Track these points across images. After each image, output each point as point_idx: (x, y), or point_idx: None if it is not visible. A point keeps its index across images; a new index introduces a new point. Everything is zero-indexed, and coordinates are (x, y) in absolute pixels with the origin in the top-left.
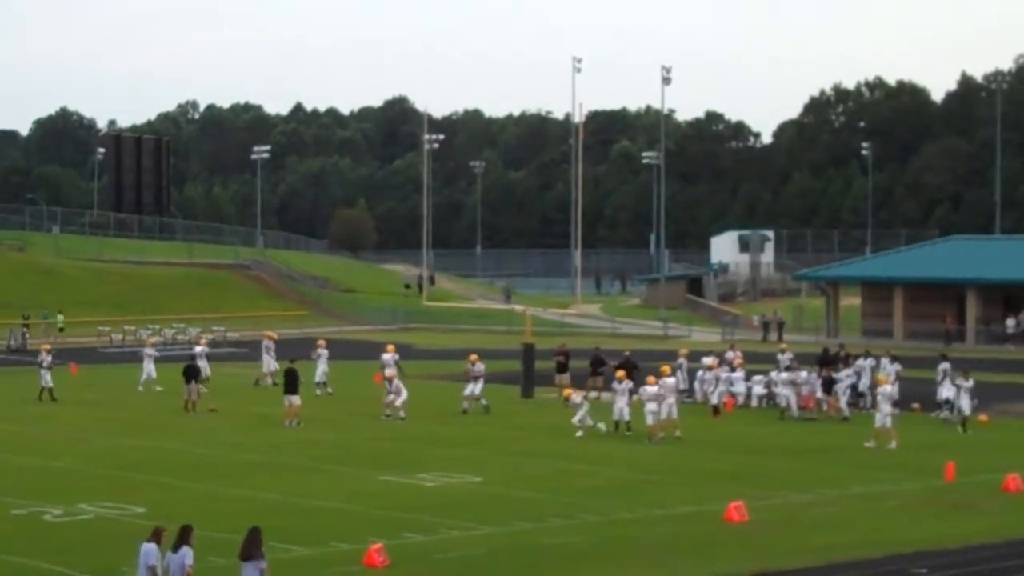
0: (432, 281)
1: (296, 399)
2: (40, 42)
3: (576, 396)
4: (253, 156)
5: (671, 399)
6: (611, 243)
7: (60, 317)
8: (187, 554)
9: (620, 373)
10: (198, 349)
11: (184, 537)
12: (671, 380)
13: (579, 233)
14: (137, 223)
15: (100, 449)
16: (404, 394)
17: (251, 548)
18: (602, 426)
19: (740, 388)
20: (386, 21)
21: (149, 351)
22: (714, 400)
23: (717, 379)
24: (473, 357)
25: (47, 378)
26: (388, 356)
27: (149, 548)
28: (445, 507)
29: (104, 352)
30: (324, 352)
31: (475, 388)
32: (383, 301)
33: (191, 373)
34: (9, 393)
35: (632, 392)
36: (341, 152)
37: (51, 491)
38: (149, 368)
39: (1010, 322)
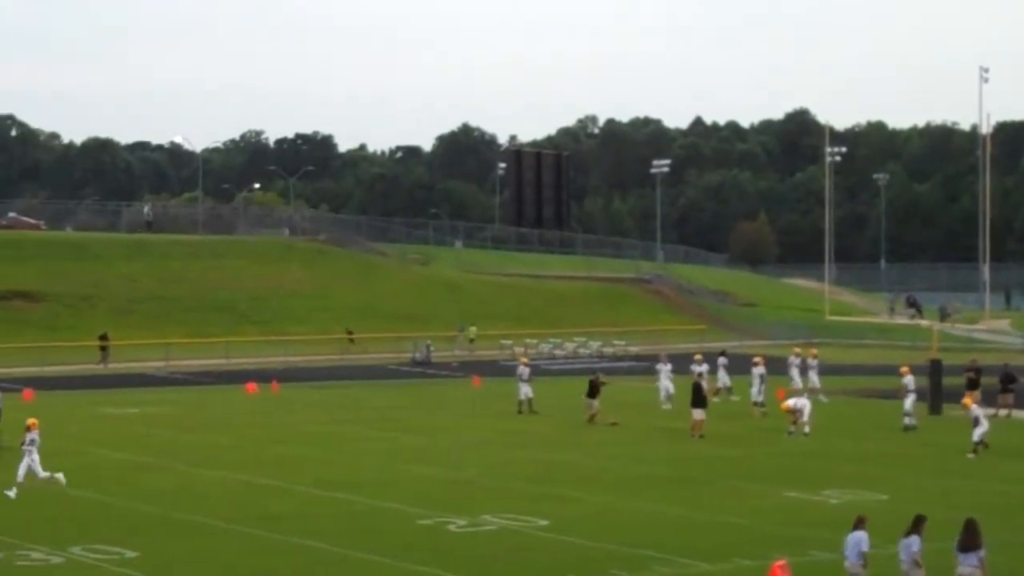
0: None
1: (700, 412)
2: (441, 61)
3: (976, 409)
4: (652, 170)
5: None
6: (1021, 257)
7: (472, 329)
8: (915, 542)
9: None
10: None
11: (916, 526)
12: None
13: (987, 247)
14: (537, 237)
15: (504, 461)
16: (808, 408)
17: (971, 539)
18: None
19: None
20: (784, 35)
21: (662, 366)
22: None
23: None
24: (904, 369)
25: (526, 390)
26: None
27: (860, 536)
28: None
29: (505, 365)
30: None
31: (908, 403)
32: (784, 315)
33: (594, 388)
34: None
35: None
36: (741, 165)
37: (456, 502)
38: (666, 384)
39: None
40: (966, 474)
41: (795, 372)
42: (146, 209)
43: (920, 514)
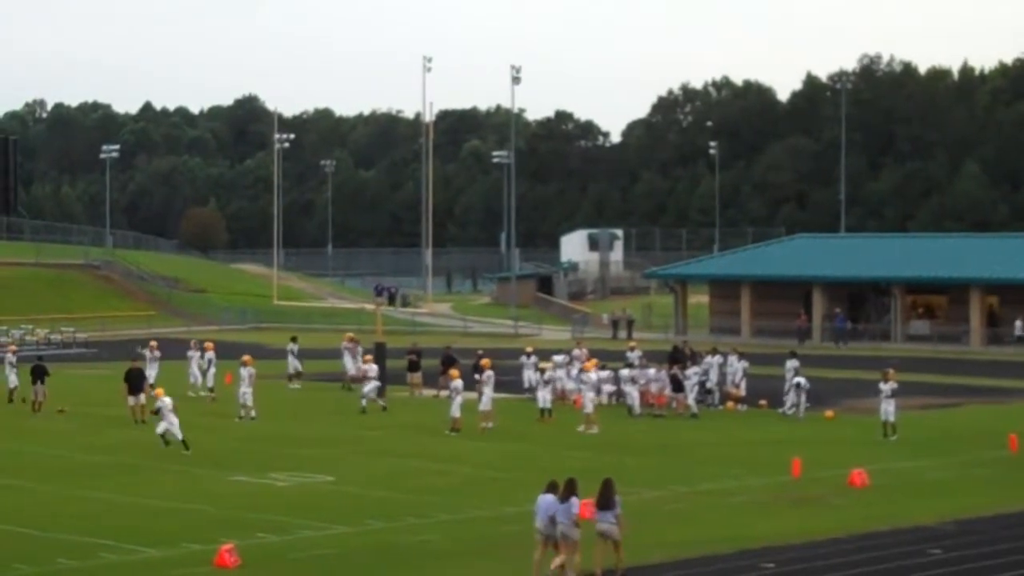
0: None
1: (141, 398)
2: None
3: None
4: (102, 155)
5: (488, 391)
6: (462, 242)
7: None
8: (575, 504)
9: (452, 372)
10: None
11: (573, 489)
12: (488, 373)
13: (430, 232)
14: None
15: None
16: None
17: (608, 497)
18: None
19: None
20: (235, 19)
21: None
22: (542, 404)
23: (550, 380)
24: (368, 358)
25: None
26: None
27: (549, 499)
28: (298, 507)
29: None
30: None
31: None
32: (233, 301)
33: (38, 373)
34: None
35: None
36: (191, 151)
37: None
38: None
39: (1018, 323)
40: (407, 454)
41: (348, 359)
42: None
43: (572, 477)
